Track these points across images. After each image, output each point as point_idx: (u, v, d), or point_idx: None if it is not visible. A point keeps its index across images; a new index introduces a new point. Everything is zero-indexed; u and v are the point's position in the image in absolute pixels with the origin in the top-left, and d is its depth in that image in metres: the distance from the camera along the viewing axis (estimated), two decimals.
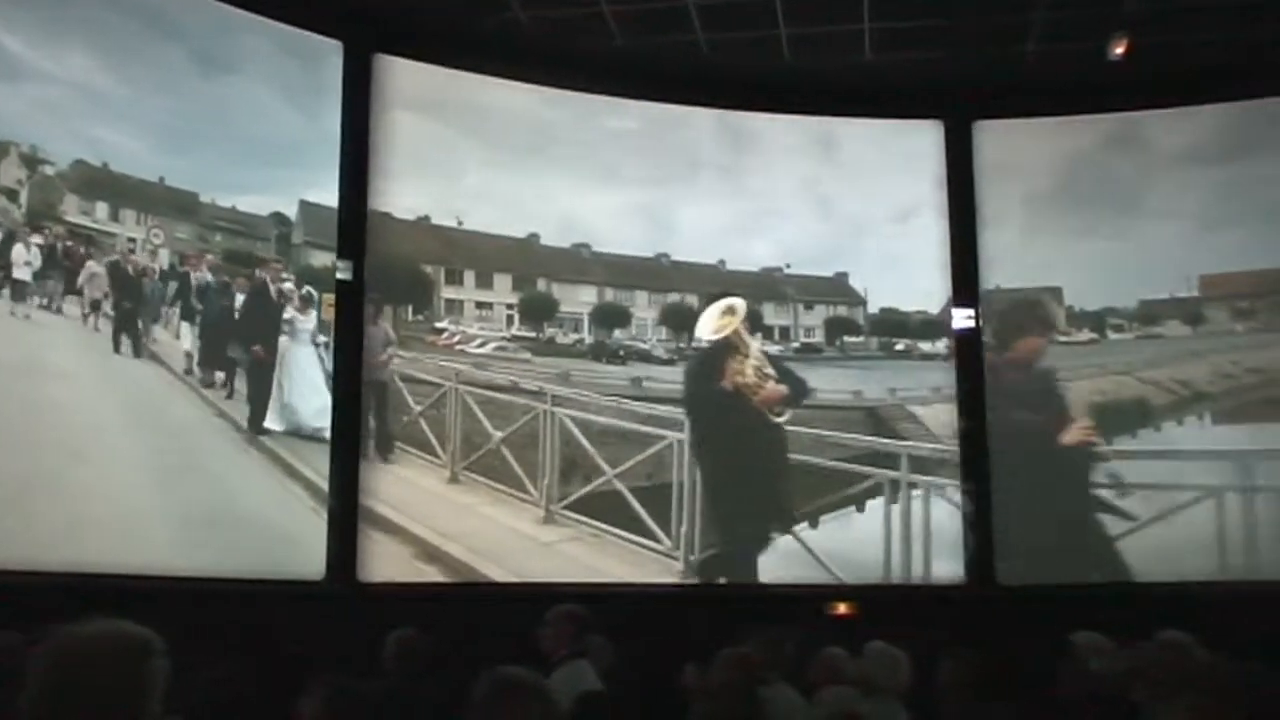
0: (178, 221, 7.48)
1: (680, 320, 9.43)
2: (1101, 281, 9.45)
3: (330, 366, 7.93)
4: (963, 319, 9.29)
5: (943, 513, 8.90)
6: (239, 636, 6.70)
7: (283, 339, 7.89)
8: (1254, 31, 8.33)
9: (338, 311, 7.95)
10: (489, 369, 8.96)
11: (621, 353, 9.43)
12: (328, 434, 7.80)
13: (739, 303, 8.94)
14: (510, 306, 9.17)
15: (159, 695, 2.32)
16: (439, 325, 8.86)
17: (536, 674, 2.98)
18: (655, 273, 9.41)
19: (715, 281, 9.41)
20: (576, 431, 8.91)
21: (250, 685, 6.25)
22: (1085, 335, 9.50)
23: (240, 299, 7.82)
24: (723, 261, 9.48)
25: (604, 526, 8.72)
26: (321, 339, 7.97)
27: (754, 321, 9.39)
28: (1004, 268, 9.39)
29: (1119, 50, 8.05)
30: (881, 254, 9.53)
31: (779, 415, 8.79)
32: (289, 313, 7.90)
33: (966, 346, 9.26)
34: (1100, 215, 9.27)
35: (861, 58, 8.68)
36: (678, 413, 8.94)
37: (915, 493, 8.88)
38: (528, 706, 2.69)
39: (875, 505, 8.97)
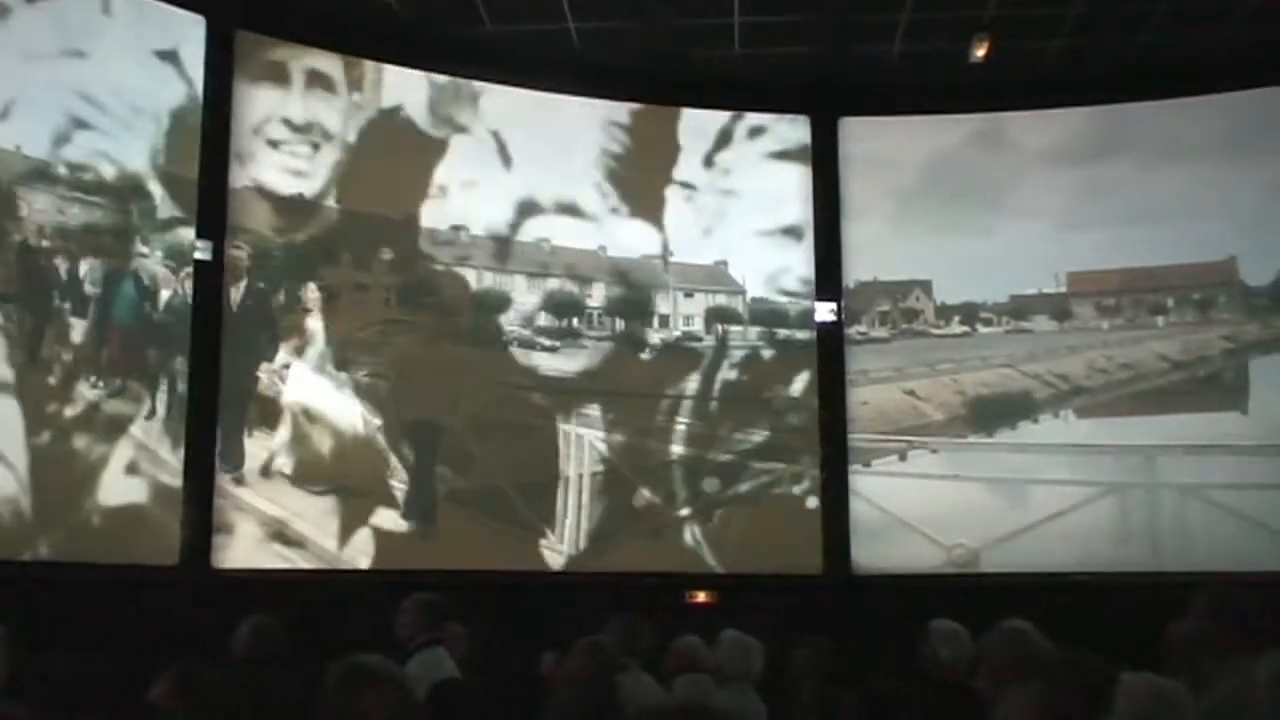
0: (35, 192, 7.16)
1: (561, 307, 9.36)
2: (968, 276, 9.63)
3: None
4: (825, 311, 9.42)
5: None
6: (88, 623, 6.52)
7: None
8: (1112, 38, 8.62)
9: (196, 292, 7.72)
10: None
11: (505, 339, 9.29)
12: None
13: None
14: (388, 289, 8.96)
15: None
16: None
17: (390, 661, 2.95)
18: (535, 258, 9.34)
19: (596, 268, 9.41)
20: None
21: (99, 673, 6.09)
22: (958, 328, 9.72)
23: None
24: (603, 248, 9.46)
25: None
26: None
27: (639, 309, 9.45)
28: (870, 261, 9.61)
29: (980, 52, 8.25)
30: (757, 244, 9.61)
31: None
32: None
33: (828, 337, 9.40)
34: (965, 212, 9.47)
35: (730, 51, 8.74)
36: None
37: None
38: (380, 694, 2.66)
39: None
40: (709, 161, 9.49)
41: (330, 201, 8.49)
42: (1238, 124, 9.11)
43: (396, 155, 8.78)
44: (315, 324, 8.30)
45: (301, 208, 8.36)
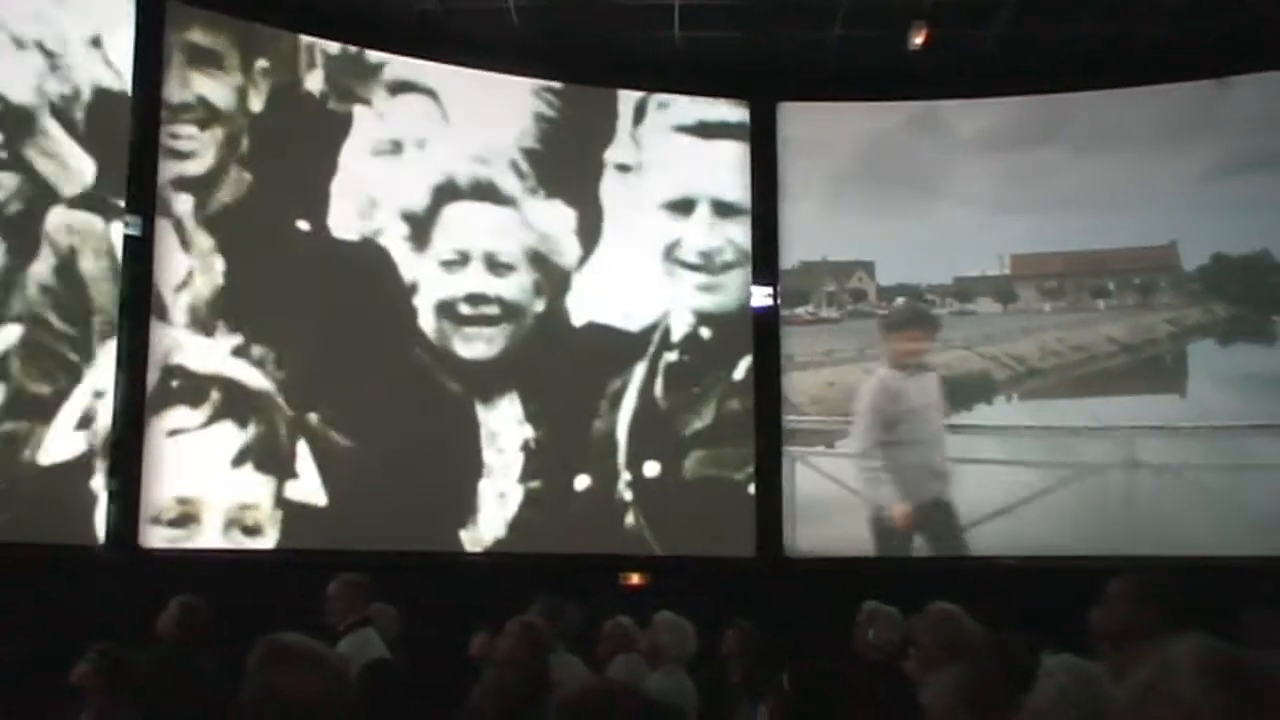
0: None
1: (486, 287, 9.23)
2: (909, 258, 9.68)
3: None
4: (762, 296, 9.44)
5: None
6: (10, 605, 6.44)
7: None
8: (1047, 27, 8.69)
9: (125, 266, 7.56)
10: None
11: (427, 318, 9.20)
12: None
13: None
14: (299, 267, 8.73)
15: None
16: None
17: (315, 641, 2.91)
18: (462, 237, 9.18)
19: (523, 247, 9.31)
20: None
21: (22, 652, 6.01)
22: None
23: None
24: (530, 226, 9.30)
25: None
26: None
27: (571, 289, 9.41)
28: (809, 244, 9.65)
29: (919, 40, 8.30)
30: (693, 227, 9.57)
31: None
32: None
33: (764, 322, 9.42)
34: (903, 196, 9.52)
35: (670, 34, 8.71)
36: None
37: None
38: (304, 673, 2.62)
39: None
40: (643, 143, 9.43)
41: (238, 176, 8.28)
42: (1169, 115, 9.26)
43: (306, 131, 8.56)
44: (225, 301, 8.12)
45: (208, 182, 8.17)
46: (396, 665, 5.42)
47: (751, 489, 9.17)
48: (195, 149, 8.06)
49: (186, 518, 7.76)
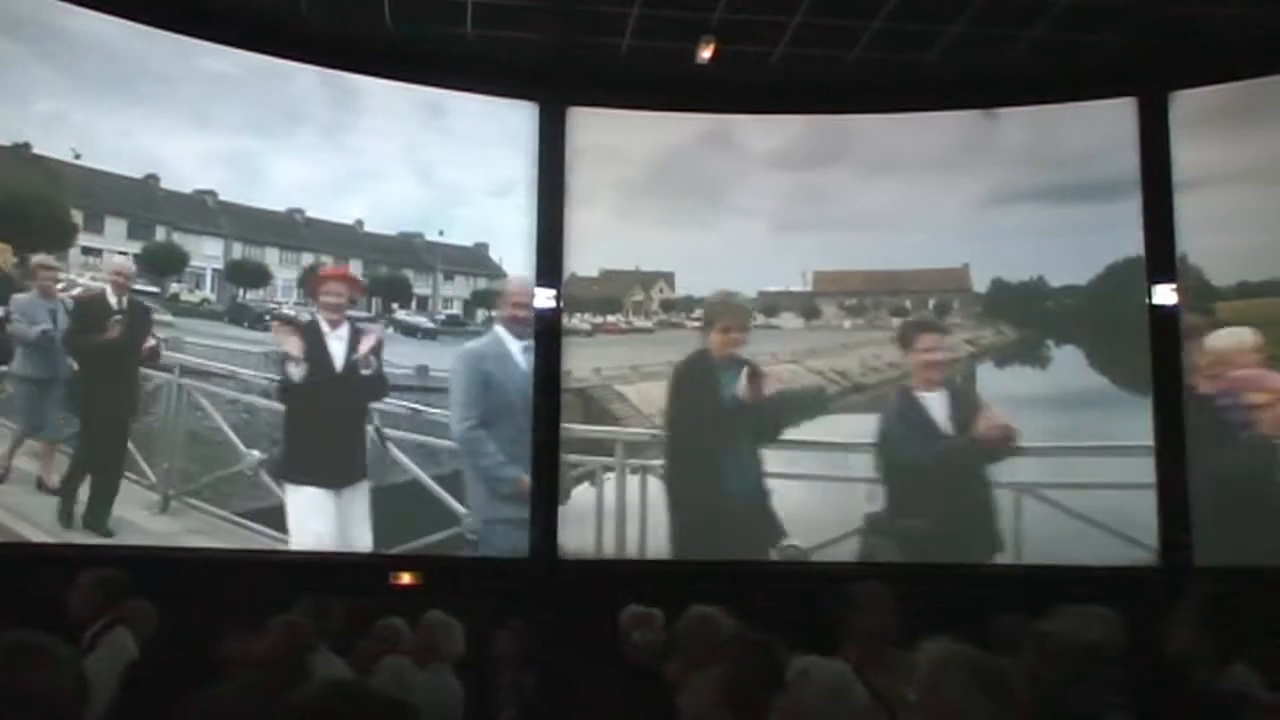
0: None
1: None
2: (705, 271, 9.82)
3: None
4: (545, 298, 9.36)
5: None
6: None
7: None
8: (828, 50, 8.98)
9: None
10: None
11: (268, 317, 8.84)
12: None
13: None
14: (124, 255, 8.34)
15: None
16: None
17: (57, 639, 2.78)
18: (288, 229, 8.95)
19: (352, 244, 9.14)
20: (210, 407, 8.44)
21: None
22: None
23: None
24: (360, 222, 9.21)
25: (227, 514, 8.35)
26: None
27: (398, 289, 9.27)
28: (595, 251, 9.71)
29: (706, 54, 8.44)
30: (480, 225, 9.60)
31: None
32: None
33: (547, 325, 9.37)
34: (692, 207, 9.68)
35: (463, 31, 8.64)
36: None
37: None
38: (39, 671, 2.50)
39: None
40: (435, 139, 9.36)
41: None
42: (949, 142, 9.66)
43: (100, 106, 8.22)
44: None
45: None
46: (149, 665, 5.20)
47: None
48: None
49: None
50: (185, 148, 8.58)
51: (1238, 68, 8.79)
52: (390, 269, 9.33)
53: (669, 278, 9.93)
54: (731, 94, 9.39)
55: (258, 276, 8.90)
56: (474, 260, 9.59)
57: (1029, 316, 9.68)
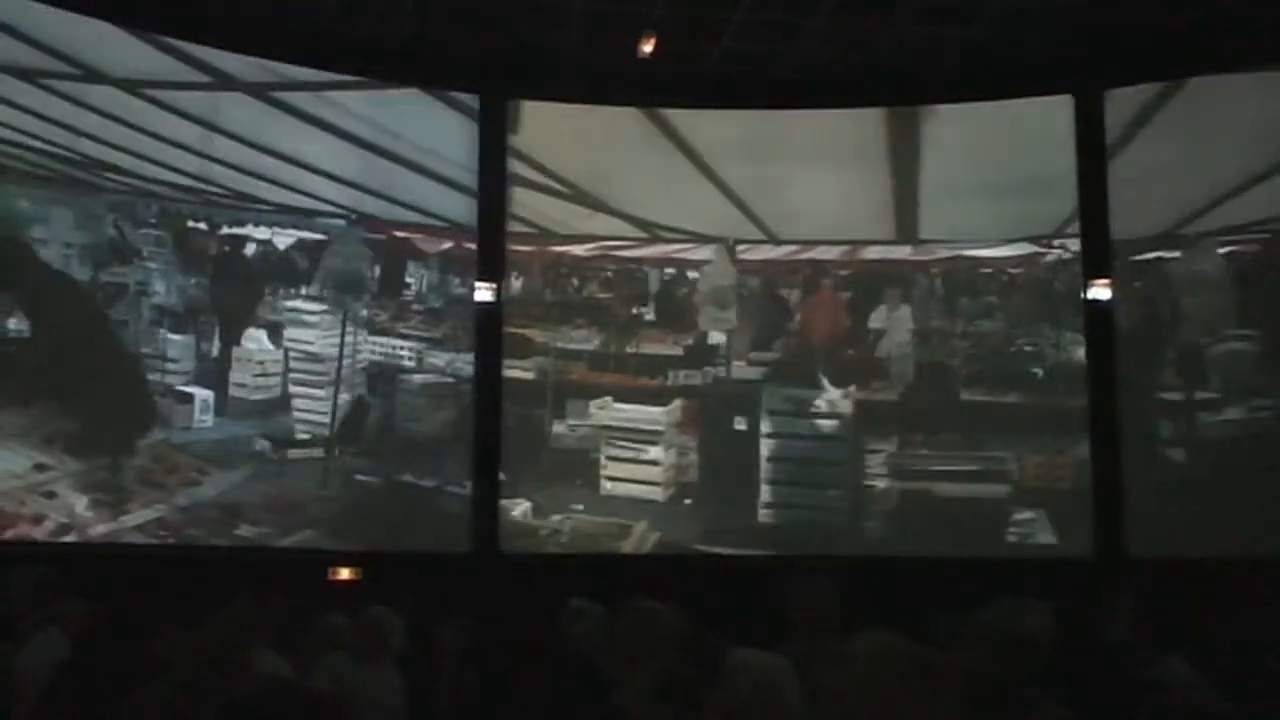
0: None
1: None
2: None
3: None
4: (485, 292, 9.35)
5: None
6: None
7: None
8: (769, 47, 9.02)
9: None
10: None
11: None
12: None
13: None
14: None
15: None
16: None
17: None
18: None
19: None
20: None
21: None
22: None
23: None
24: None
25: None
26: None
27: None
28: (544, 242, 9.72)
29: (647, 48, 8.45)
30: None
31: None
32: None
33: (488, 319, 9.36)
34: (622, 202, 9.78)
35: (403, 22, 8.57)
36: None
37: None
38: None
39: None
40: (379, 130, 9.29)
41: None
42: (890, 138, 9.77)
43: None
44: None
45: None
46: (83, 664, 5.13)
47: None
48: None
49: None
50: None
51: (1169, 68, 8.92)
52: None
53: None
54: (674, 88, 9.38)
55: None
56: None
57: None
